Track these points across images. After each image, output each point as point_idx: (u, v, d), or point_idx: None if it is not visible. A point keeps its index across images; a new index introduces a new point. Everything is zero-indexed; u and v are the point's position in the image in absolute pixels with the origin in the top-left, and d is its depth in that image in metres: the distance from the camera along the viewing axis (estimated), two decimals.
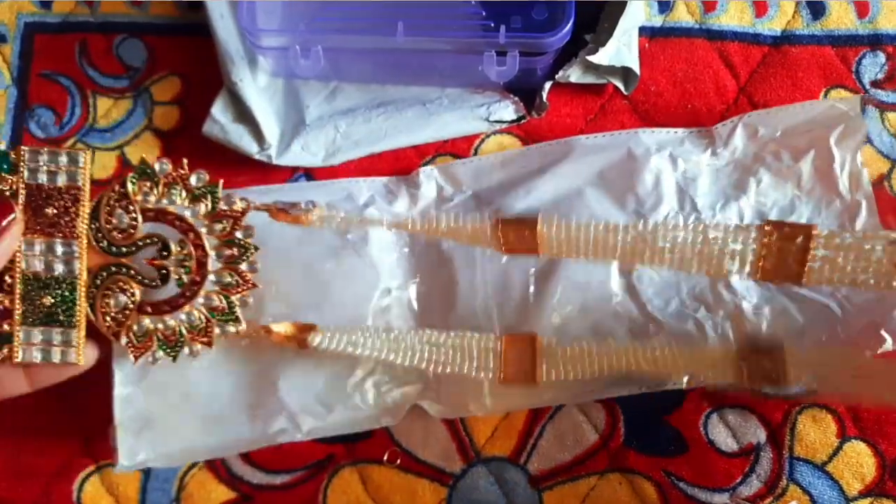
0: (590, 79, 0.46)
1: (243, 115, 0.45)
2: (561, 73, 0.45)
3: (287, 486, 0.43)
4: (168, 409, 0.41)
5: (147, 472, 0.43)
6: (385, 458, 0.43)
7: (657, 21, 0.49)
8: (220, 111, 0.45)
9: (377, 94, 0.47)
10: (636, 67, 0.46)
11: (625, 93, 0.47)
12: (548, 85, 0.46)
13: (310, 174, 0.46)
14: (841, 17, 0.48)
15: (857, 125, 0.44)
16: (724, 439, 0.43)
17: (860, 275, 0.37)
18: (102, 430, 0.43)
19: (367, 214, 0.44)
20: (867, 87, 0.47)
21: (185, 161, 0.38)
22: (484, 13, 0.44)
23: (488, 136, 0.47)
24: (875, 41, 0.48)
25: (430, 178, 0.45)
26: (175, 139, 0.47)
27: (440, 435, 0.43)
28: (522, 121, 0.47)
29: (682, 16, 0.49)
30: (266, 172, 0.46)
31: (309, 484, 0.43)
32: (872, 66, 0.48)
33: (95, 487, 0.43)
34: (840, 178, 0.44)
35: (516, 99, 0.46)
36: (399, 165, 0.47)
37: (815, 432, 0.42)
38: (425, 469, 0.43)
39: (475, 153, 0.47)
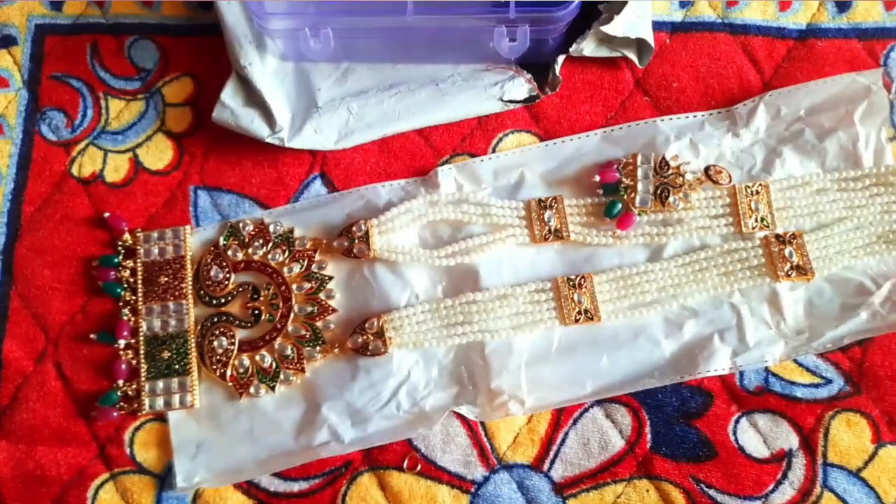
0: (604, 52, 0.45)
1: (253, 99, 0.44)
2: (574, 46, 0.44)
3: (304, 493, 0.42)
4: (219, 432, 0.42)
5: (162, 480, 0.42)
6: (405, 464, 0.42)
7: (678, 16, 0.48)
8: (229, 96, 0.44)
9: (389, 75, 0.46)
10: (650, 39, 0.45)
11: (639, 66, 0.46)
12: (561, 59, 0.45)
13: (324, 175, 0.46)
14: (868, 10, 0.47)
15: (880, 101, 0.44)
16: (755, 445, 0.41)
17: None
18: (117, 438, 0.43)
19: (390, 218, 0.43)
20: None
21: (264, 219, 0.44)
22: None
23: (506, 134, 0.46)
24: None
25: (448, 178, 0.44)
26: (188, 140, 0.46)
27: (460, 440, 0.42)
28: (536, 100, 0.46)
29: (704, 10, 0.48)
30: (280, 174, 0.46)
31: (326, 491, 0.42)
32: None
33: (110, 495, 0.42)
34: (864, 154, 0.44)
35: (530, 76, 0.45)
36: (416, 165, 0.46)
37: (849, 437, 0.41)
38: (445, 475, 0.42)
39: (493, 151, 0.46)
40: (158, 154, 0.46)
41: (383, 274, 0.43)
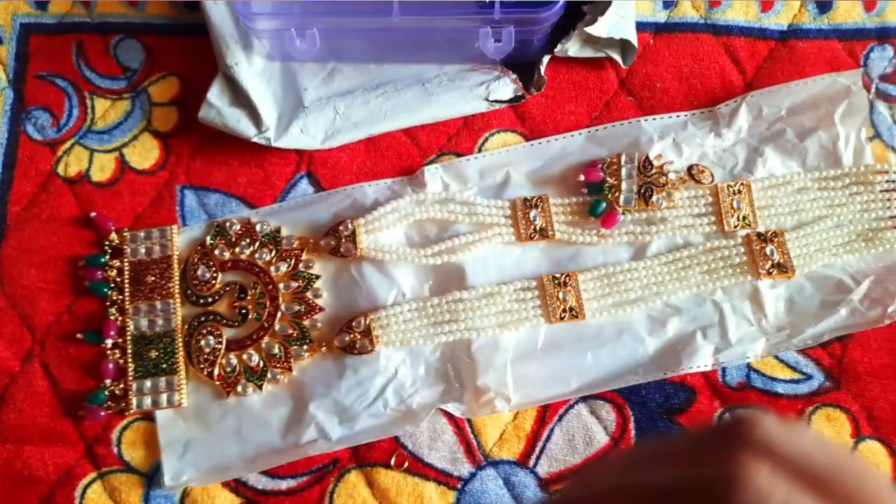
0: (588, 52, 0.46)
1: (240, 98, 0.44)
2: (559, 46, 0.45)
3: (292, 491, 0.42)
4: (207, 431, 0.42)
5: (150, 479, 0.42)
6: (392, 461, 0.42)
7: (662, 17, 0.48)
8: (216, 96, 0.44)
9: (375, 75, 0.46)
10: (634, 40, 0.45)
11: (623, 66, 0.46)
12: (546, 59, 0.45)
13: (311, 174, 0.46)
14: (848, 11, 0.48)
15: (860, 101, 0.45)
16: None
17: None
18: (104, 438, 0.43)
19: (378, 217, 0.43)
20: (875, 80, 0.47)
21: (251, 219, 0.44)
22: None
23: (492, 134, 0.46)
24: (883, 35, 0.47)
25: (434, 177, 0.45)
26: (174, 140, 0.47)
27: (447, 437, 0.42)
28: (521, 100, 0.46)
29: (687, 11, 0.48)
30: (267, 173, 0.46)
31: (314, 489, 0.42)
32: (880, 59, 0.47)
33: (98, 494, 0.42)
34: (844, 154, 0.45)
35: (515, 76, 0.46)
36: (402, 165, 0.46)
37: (829, 432, 0.42)
38: (432, 472, 0.42)
39: (479, 151, 0.46)
40: (145, 153, 0.46)
41: (370, 273, 0.43)
